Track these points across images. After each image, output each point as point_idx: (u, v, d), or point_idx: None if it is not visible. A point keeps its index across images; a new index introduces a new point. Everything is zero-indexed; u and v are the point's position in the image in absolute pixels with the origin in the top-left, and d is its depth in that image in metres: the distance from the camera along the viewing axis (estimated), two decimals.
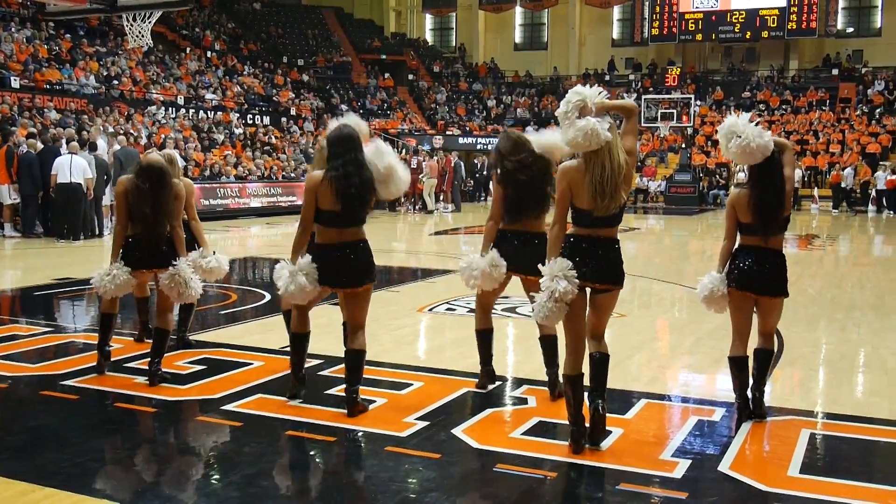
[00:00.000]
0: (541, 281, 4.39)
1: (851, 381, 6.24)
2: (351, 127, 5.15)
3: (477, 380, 5.67)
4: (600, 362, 4.51)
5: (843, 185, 27.25)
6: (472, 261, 5.37)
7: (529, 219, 5.33)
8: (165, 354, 5.92)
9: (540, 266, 4.44)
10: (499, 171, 5.37)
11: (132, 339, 7.00)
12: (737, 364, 5.04)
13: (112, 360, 6.12)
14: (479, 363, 5.65)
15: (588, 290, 4.45)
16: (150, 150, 11.53)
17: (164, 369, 5.78)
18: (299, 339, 5.33)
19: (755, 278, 4.95)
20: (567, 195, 4.39)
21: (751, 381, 5.06)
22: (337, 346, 5.87)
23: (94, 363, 5.95)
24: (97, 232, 15.85)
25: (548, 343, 5.42)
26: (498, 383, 5.75)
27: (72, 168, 14.83)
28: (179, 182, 6.03)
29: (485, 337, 5.63)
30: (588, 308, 4.51)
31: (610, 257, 4.43)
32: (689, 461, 4.32)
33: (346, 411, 4.99)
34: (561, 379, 4.78)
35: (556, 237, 4.42)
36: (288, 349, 5.50)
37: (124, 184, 5.81)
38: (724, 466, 4.28)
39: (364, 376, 5.18)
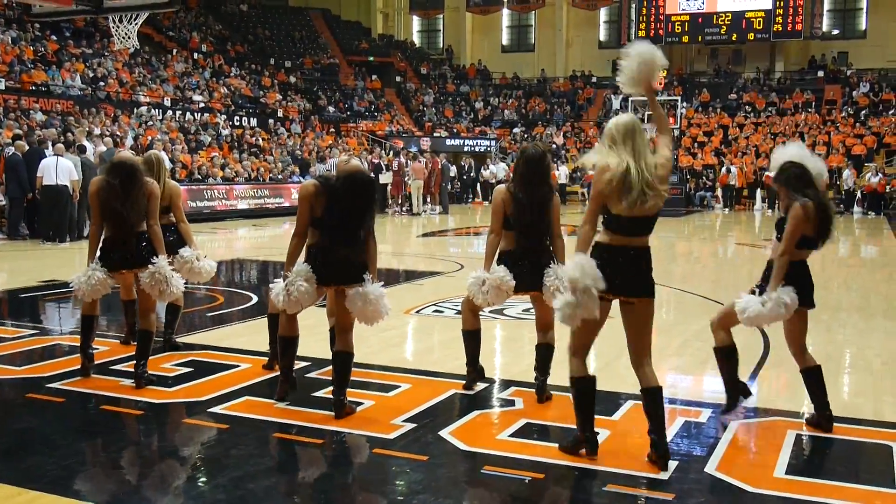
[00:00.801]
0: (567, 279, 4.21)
1: (837, 382, 6.26)
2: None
3: (464, 381, 5.68)
4: (654, 396, 4.30)
5: (844, 187, 27.34)
6: (481, 276, 5.37)
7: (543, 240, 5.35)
8: (152, 357, 5.90)
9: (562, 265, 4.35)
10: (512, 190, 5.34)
11: (118, 341, 6.96)
12: (727, 352, 5.11)
13: (98, 362, 6.09)
14: (465, 364, 5.66)
15: (614, 301, 4.31)
16: (119, 150, 11.47)
17: (150, 371, 5.76)
18: (288, 342, 5.31)
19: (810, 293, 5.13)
20: (601, 197, 4.19)
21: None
22: (324, 349, 5.86)
23: (80, 366, 5.92)
24: (84, 234, 15.77)
25: (543, 351, 5.42)
26: (485, 385, 5.76)
27: (57, 170, 14.76)
28: (153, 181, 5.93)
29: (473, 337, 5.63)
30: (625, 327, 4.35)
31: (640, 268, 4.26)
32: (676, 462, 4.32)
33: (333, 413, 4.98)
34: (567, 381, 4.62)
35: (585, 235, 4.23)
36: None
37: (97, 184, 5.79)
38: (710, 468, 4.29)
39: (351, 378, 5.17)
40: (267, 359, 6.19)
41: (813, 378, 5.00)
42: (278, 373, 5.44)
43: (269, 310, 6.05)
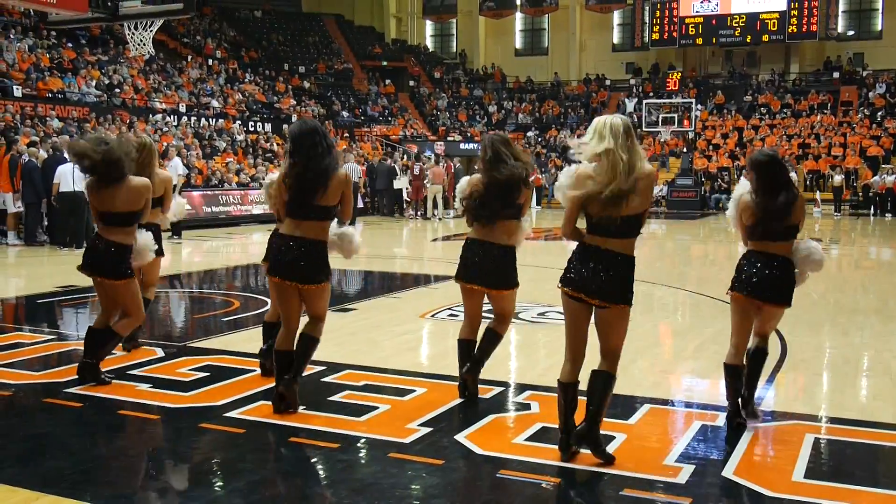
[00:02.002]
0: None
1: (855, 386, 6.22)
2: (313, 122, 5.19)
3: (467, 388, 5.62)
4: (601, 381, 4.36)
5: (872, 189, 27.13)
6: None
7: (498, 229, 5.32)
8: (169, 361, 5.92)
9: None
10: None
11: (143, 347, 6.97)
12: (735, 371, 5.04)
13: (115, 367, 6.13)
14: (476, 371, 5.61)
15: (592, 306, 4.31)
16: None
17: (166, 376, 5.78)
18: (282, 356, 5.20)
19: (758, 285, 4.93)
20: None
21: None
22: (339, 353, 5.88)
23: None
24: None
25: (465, 346, 5.46)
26: (500, 389, 5.75)
27: (74, 176, 14.83)
28: (137, 178, 5.79)
29: (464, 347, 5.55)
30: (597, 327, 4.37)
31: (612, 272, 4.23)
32: (693, 466, 4.31)
33: (348, 418, 4.96)
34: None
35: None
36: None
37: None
38: (728, 472, 4.27)
39: (367, 382, 5.16)
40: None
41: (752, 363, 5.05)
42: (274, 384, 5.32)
43: (266, 318, 6.10)
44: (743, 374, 5.02)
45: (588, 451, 4.45)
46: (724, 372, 5.05)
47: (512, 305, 5.57)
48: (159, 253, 6.58)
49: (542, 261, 12.57)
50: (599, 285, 4.21)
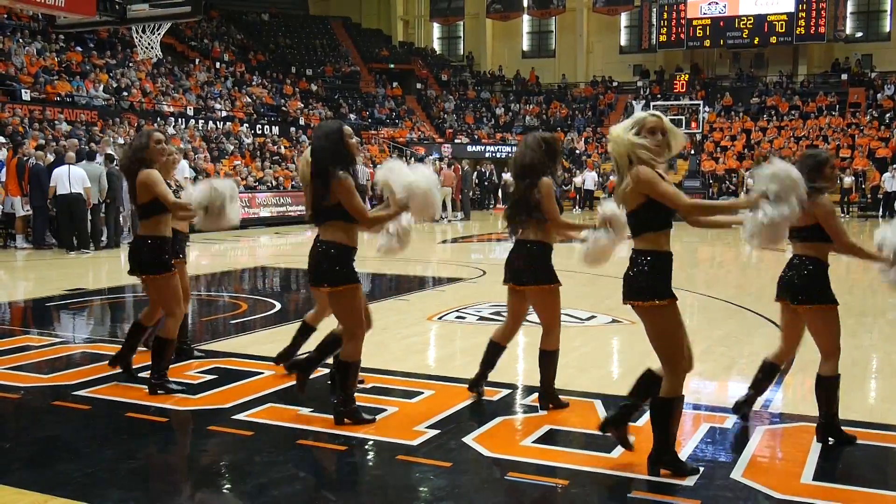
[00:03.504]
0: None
1: (864, 388, 6.20)
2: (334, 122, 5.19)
3: (478, 389, 5.60)
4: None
5: (887, 189, 26.95)
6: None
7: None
8: (176, 364, 5.92)
9: None
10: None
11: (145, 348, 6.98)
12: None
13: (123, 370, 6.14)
14: (485, 370, 5.61)
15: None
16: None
17: (174, 379, 5.79)
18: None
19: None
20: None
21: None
22: None
23: (105, 374, 5.97)
24: (112, 243, 15.94)
25: (546, 356, 5.40)
26: (508, 391, 5.74)
27: (70, 178, 14.86)
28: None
29: (493, 349, 5.56)
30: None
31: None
32: (702, 468, 4.29)
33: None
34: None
35: None
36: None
37: None
38: (736, 474, 4.26)
39: (374, 384, 5.16)
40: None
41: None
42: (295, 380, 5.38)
43: (308, 320, 6.10)
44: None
45: (593, 453, 4.45)
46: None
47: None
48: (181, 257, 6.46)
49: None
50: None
